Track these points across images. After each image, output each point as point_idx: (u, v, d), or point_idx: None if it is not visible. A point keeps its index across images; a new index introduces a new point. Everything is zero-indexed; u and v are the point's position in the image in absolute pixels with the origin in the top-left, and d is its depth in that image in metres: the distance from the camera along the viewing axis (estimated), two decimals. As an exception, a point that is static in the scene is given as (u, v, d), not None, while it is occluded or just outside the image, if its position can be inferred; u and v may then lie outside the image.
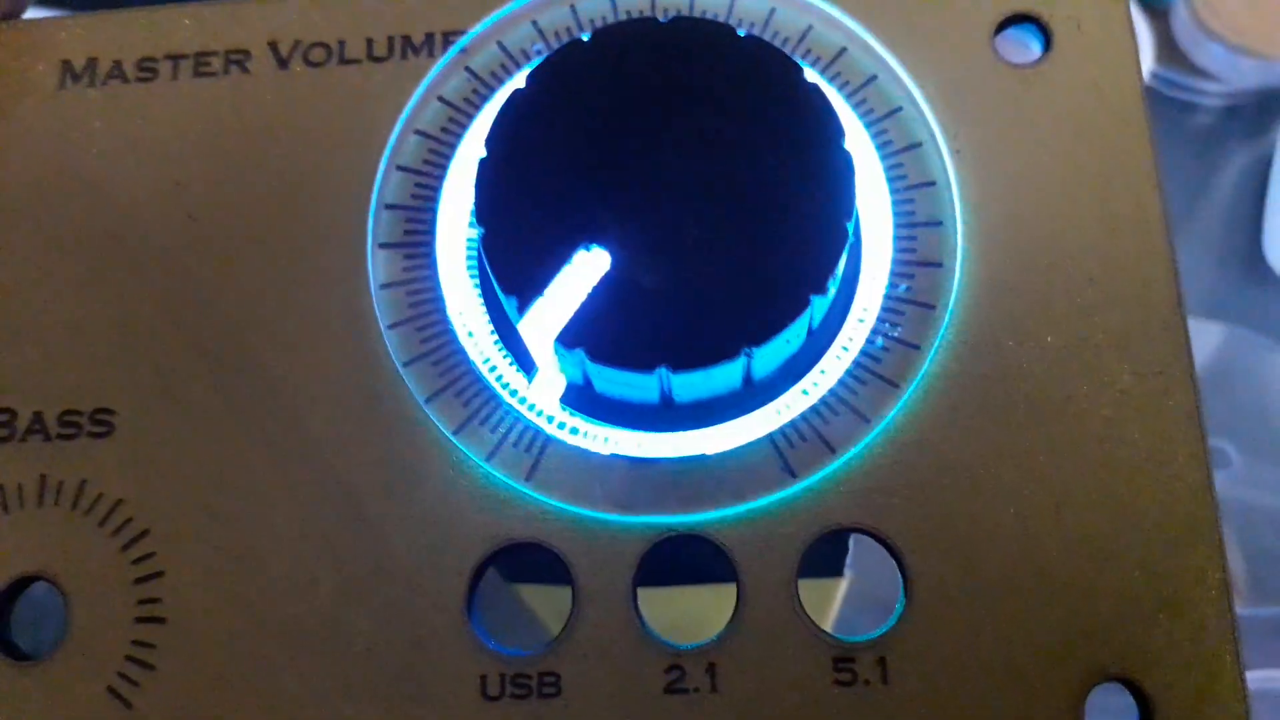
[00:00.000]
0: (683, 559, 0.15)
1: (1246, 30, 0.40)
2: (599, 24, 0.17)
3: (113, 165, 0.17)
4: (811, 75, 0.14)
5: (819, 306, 0.14)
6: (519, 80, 0.15)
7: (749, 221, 0.13)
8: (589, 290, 0.13)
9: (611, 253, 0.13)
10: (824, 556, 0.15)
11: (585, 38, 0.14)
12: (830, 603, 0.22)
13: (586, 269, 0.13)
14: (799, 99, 0.14)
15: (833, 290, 0.14)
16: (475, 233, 0.15)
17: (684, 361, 0.13)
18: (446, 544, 0.15)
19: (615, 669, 0.14)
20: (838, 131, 0.14)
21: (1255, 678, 0.32)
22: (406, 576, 0.15)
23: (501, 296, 0.14)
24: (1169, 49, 0.42)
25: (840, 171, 0.14)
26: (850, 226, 0.13)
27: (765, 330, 0.13)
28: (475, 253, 0.16)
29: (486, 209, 0.14)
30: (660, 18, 0.14)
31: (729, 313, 0.13)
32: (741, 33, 0.14)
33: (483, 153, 0.14)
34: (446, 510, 0.15)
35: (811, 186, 0.14)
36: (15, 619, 0.16)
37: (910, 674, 0.14)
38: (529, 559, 0.15)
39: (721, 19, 0.17)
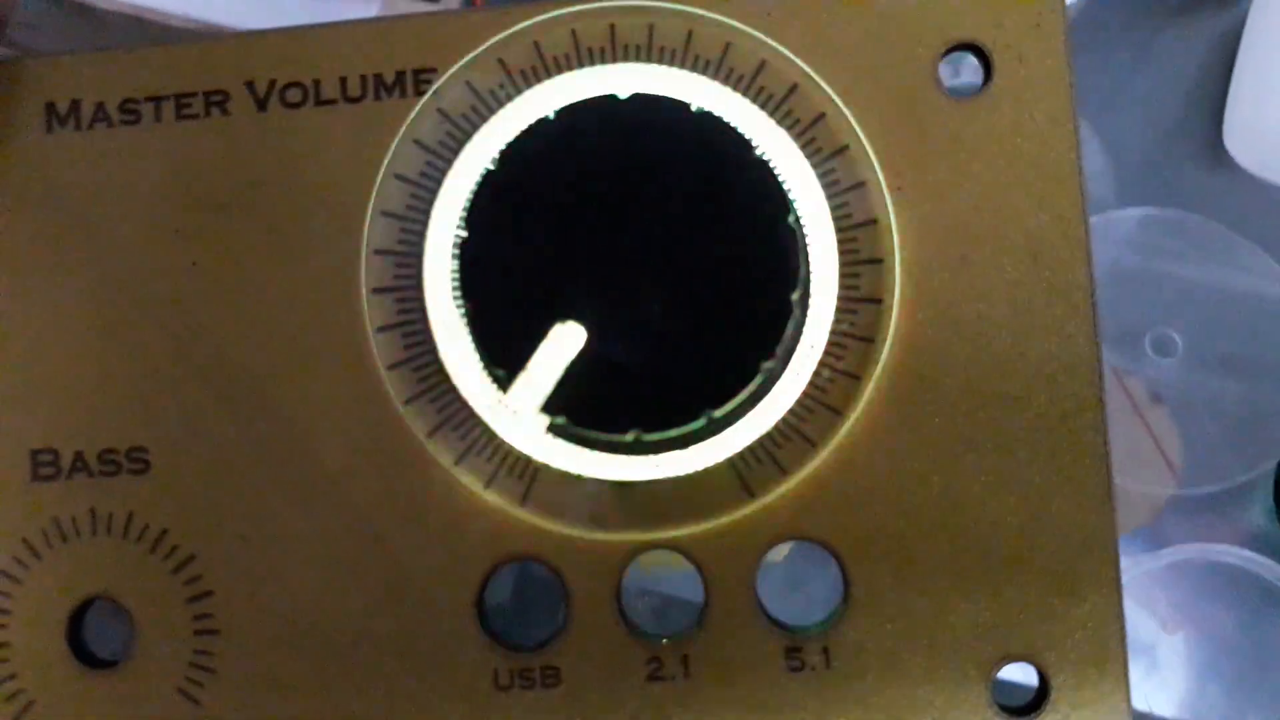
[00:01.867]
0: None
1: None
2: (561, 60, 0.18)
3: (112, 213, 0.18)
4: (769, 139, 0.15)
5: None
6: (490, 140, 0.16)
7: (704, 294, 0.15)
8: (568, 362, 0.15)
9: (585, 325, 0.15)
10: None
11: (550, 116, 0.15)
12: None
13: (564, 341, 0.15)
14: (748, 175, 0.15)
15: (781, 351, 0.15)
16: (459, 272, 0.16)
17: (652, 425, 0.15)
18: (455, 563, 0.17)
19: (605, 662, 0.17)
20: (784, 207, 0.15)
21: (1187, 550, 0.36)
22: (423, 591, 0.17)
23: (491, 368, 0.15)
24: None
25: (785, 246, 0.15)
26: (794, 297, 0.15)
27: (722, 394, 0.15)
28: (460, 295, 0.18)
29: (471, 286, 0.15)
30: (619, 94, 0.15)
31: (690, 380, 0.15)
32: (694, 108, 0.15)
33: (463, 233, 0.15)
34: (452, 533, 0.17)
35: (759, 260, 0.15)
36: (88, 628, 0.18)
37: (849, 659, 0.17)
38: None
39: (679, 54, 0.17)
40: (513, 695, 0.17)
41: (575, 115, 0.15)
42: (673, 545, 0.17)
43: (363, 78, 0.18)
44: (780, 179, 0.15)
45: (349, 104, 0.18)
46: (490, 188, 0.15)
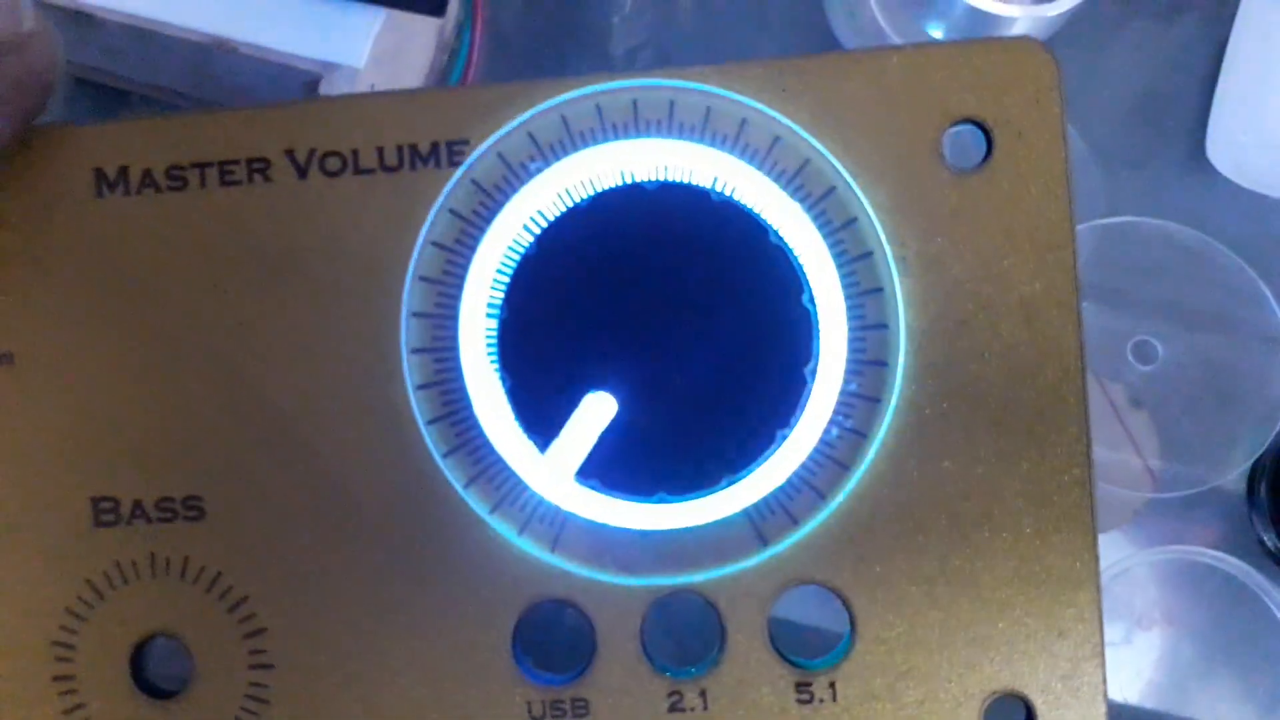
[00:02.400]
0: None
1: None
2: (587, 134, 0.19)
3: (163, 274, 0.19)
4: (787, 217, 0.17)
5: (785, 420, 0.17)
6: (521, 209, 0.17)
7: (726, 369, 0.16)
8: (599, 430, 0.16)
9: (615, 397, 0.17)
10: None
11: (583, 203, 0.17)
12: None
13: (595, 412, 0.16)
14: (766, 260, 0.16)
15: (796, 422, 0.17)
16: (494, 332, 0.17)
17: (678, 491, 0.16)
18: (491, 604, 0.19)
19: (630, 695, 0.19)
20: (799, 289, 0.16)
21: (1163, 550, 0.37)
22: (462, 630, 0.19)
23: (527, 435, 0.17)
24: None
25: (801, 324, 0.16)
26: (809, 371, 0.16)
27: (742, 463, 0.16)
28: (495, 355, 0.19)
29: (512, 363, 0.17)
30: (646, 184, 0.17)
31: (713, 450, 0.16)
32: (716, 196, 0.17)
33: (504, 312, 0.17)
34: (487, 577, 0.19)
35: (777, 337, 0.17)
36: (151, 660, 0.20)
37: (854, 693, 0.18)
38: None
39: (698, 130, 0.19)
40: (545, 724, 0.19)
41: (606, 203, 0.17)
42: (692, 589, 0.19)
43: (399, 148, 0.19)
44: (797, 262, 0.16)
45: (386, 173, 0.19)
46: (529, 270, 0.17)
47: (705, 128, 0.19)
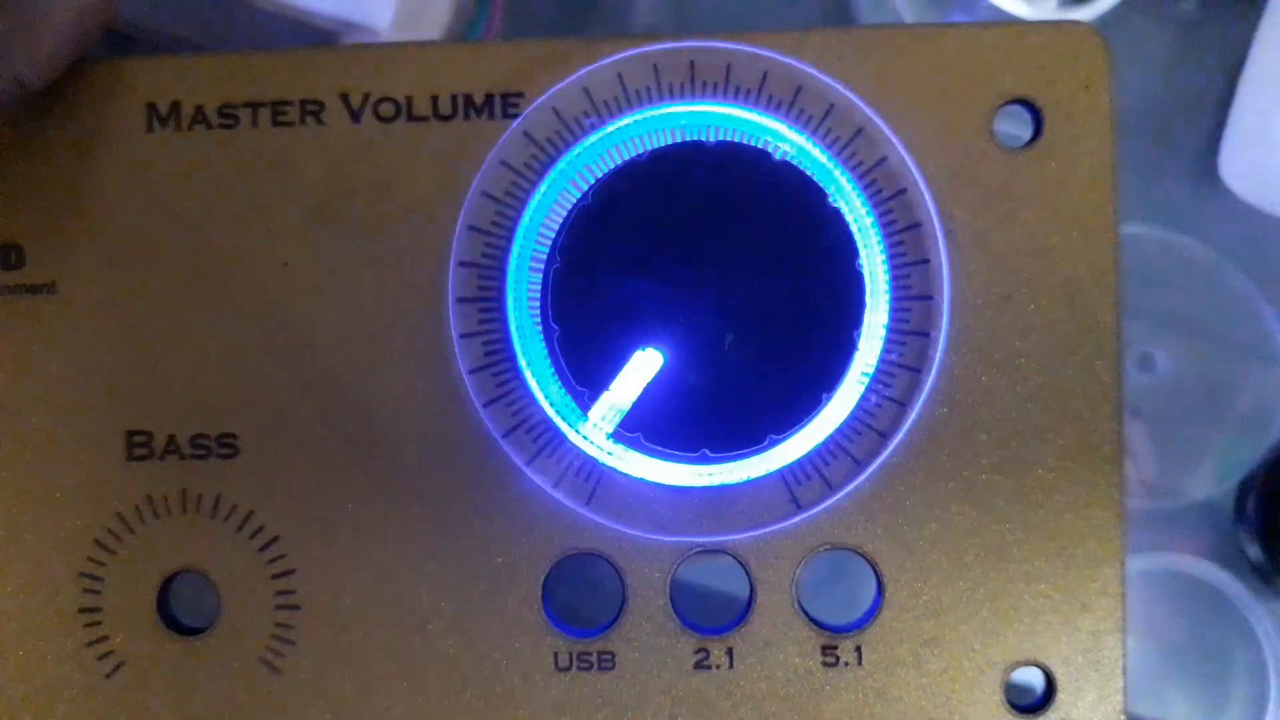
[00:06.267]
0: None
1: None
2: (643, 93, 0.19)
3: (209, 211, 0.19)
4: (837, 184, 0.17)
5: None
6: (574, 165, 0.17)
7: (775, 329, 0.17)
8: (646, 385, 0.17)
9: (664, 354, 0.17)
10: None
11: (640, 157, 0.17)
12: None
13: (643, 367, 0.17)
14: (821, 223, 0.17)
15: (841, 384, 0.17)
16: (540, 285, 0.18)
17: (722, 448, 0.17)
18: (523, 555, 0.19)
19: (656, 650, 0.19)
20: (853, 253, 0.17)
21: (1156, 558, 0.38)
22: (492, 579, 0.19)
23: (571, 388, 0.17)
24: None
25: (852, 288, 0.17)
26: (857, 335, 0.17)
27: (787, 424, 0.17)
28: (539, 307, 0.19)
29: (561, 313, 0.17)
30: (706, 140, 0.17)
31: (758, 409, 0.17)
32: (776, 156, 0.17)
33: (556, 262, 0.17)
34: (521, 527, 0.19)
35: (828, 300, 0.17)
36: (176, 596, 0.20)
37: (879, 658, 0.19)
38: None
39: (754, 94, 0.19)
40: (571, 676, 0.19)
41: (664, 158, 0.17)
42: (723, 548, 0.19)
43: (454, 97, 0.19)
44: (851, 226, 0.17)
45: (440, 121, 0.19)
46: (583, 220, 0.17)
47: (761, 93, 0.19)
